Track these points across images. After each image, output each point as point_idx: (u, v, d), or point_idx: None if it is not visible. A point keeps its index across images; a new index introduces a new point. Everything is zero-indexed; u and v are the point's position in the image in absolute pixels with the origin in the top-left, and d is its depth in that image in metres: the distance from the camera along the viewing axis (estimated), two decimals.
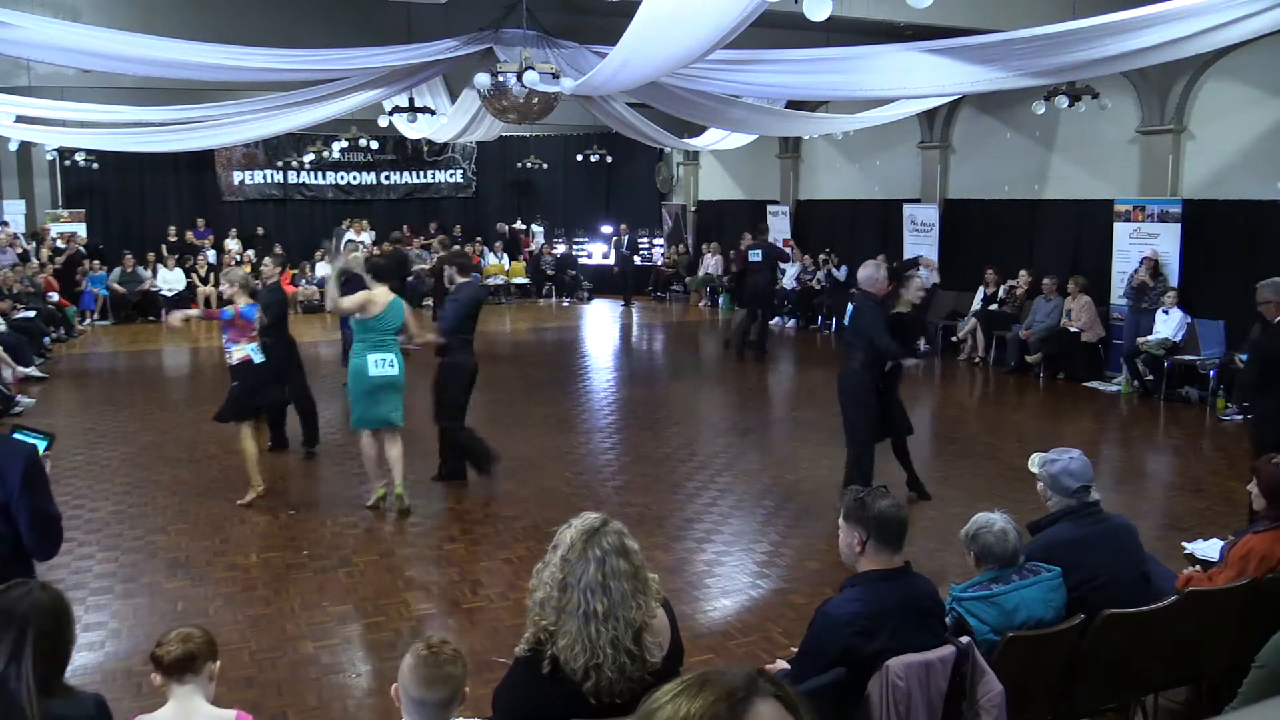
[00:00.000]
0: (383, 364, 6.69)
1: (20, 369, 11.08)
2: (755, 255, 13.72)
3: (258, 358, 6.97)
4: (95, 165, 17.41)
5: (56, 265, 15.91)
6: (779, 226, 17.98)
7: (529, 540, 6.23)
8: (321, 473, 7.92)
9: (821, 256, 16.48)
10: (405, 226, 19.72)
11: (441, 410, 7.36)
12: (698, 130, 14.33)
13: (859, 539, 3.03)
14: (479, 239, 20.59)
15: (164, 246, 17.94)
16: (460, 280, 7.37)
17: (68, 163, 17.41)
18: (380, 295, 6.76)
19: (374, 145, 18.20)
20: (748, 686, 1.17)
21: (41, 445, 3.19)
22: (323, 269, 17.07)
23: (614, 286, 20.12)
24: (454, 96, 12.07)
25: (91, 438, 8.91)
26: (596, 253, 21.74)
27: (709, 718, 1.13)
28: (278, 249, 18.20)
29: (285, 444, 8.50)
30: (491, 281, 19.89)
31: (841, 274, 16.12)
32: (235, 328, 6.89)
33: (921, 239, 14.83)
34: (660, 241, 21.83)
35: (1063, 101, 9.98)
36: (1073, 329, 11.91)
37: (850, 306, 6.98)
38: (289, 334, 8.30)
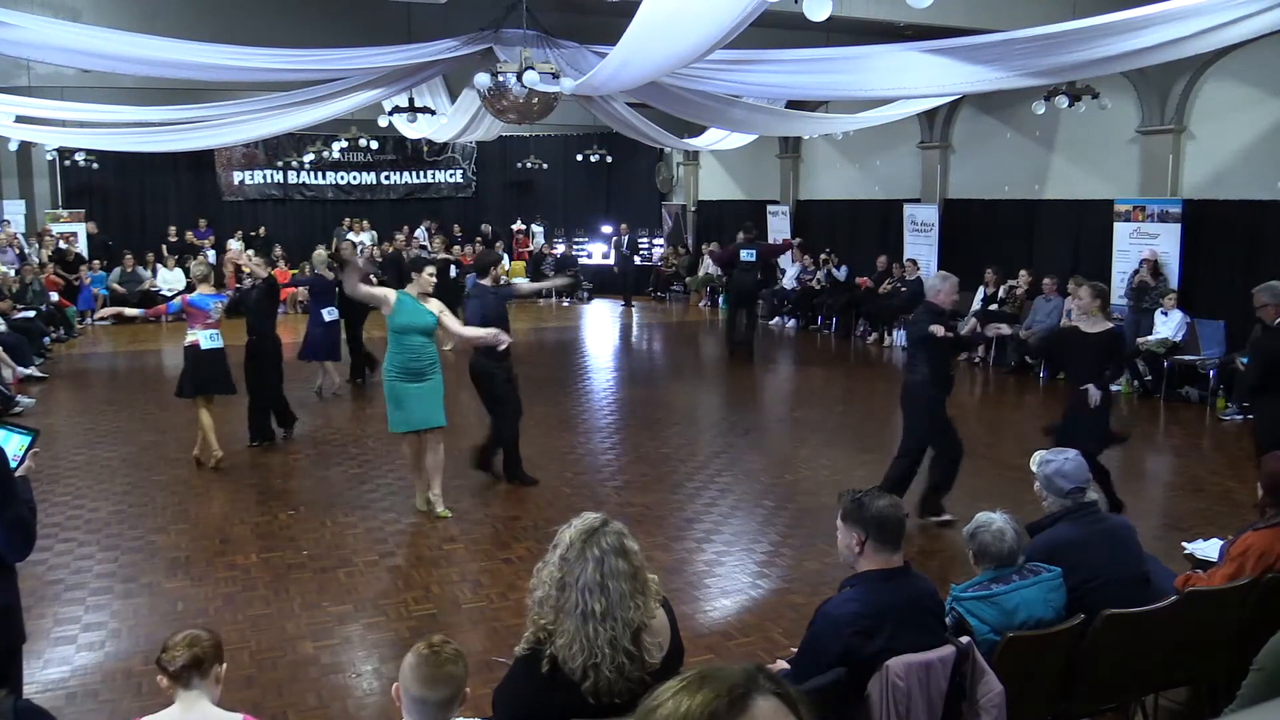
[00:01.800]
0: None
1: (20, 369, 11.09)
2: (748, 255, 13.61)
3: (205, 344, 7.56)
4: (95, 165, 17.41)
5: (61, 274, 15.91)
6: (779, 226, 17.99)
7: (529, 540, 6.24)
8: (321, 473, 7.92)
9: (822, 256, 16.47)
10: (406, 227, 19.74)
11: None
12: (698, 130, 14.33)
13: (857, 539, 3.02)
14: (479, 239, 20.59)
15: (164, 246, 17.96)
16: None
17: (68, 163, 17.40)
18: (388, 294, 6.57)
19: (374, 145, 18.20)
20: (747, 683, 1.17)
21: (25, 442, 3.19)
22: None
23: (614, 286, 20.13)
24: (454, 96, 12.07)
25: (91, 438, 8.91)
26: (596, 253, 21.74)
27: (708, 714, 1.13)
28: (278, 249, 18.36)
29: (270, 436, 8.62)
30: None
31: (841, 274, 16.12)
32: (189, 315, 7.58)
33: (922, 239, 14.85)
34: (660, 241, 21.83)
35: (1063, 101, 9.99)
36: None
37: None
38: (272, 334, 8.57)
